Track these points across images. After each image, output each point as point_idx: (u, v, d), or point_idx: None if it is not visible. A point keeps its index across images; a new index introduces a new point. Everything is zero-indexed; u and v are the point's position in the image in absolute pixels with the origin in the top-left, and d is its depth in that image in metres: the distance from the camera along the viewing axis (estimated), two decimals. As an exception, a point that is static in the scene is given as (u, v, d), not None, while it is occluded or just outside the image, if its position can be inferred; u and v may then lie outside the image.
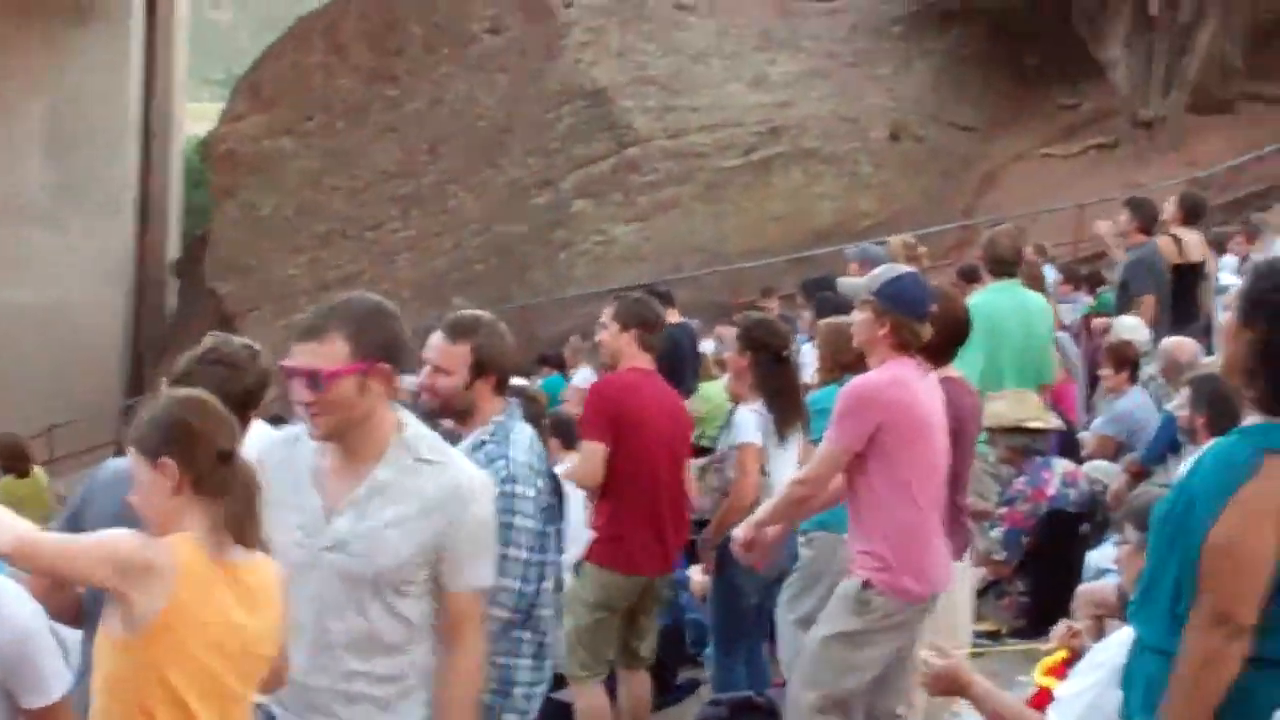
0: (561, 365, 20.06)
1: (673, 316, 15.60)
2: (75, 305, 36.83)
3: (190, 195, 41.06)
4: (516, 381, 9.52)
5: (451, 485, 4.97)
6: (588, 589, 8.83)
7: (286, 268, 32.40)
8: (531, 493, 6.36)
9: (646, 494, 8.75)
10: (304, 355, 4.90)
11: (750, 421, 9.40)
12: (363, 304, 5.07)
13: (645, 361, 8.96)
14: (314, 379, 4.86)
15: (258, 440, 5.31)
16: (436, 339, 6.60)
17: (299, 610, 4.78)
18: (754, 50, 32.02)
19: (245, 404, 5.47)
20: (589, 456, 8.63)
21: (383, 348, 4.96)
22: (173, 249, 40.16)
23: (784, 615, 9.12)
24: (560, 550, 7.39)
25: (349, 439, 4.97)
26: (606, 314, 9.07)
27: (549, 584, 6.59)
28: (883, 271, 7.45)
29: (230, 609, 4.32)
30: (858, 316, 7.31)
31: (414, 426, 5.07)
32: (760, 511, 7.75)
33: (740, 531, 7.62)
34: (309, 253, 32.12)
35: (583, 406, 9.69)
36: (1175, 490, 4.58)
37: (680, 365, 14.69)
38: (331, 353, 4.87)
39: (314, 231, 32.41)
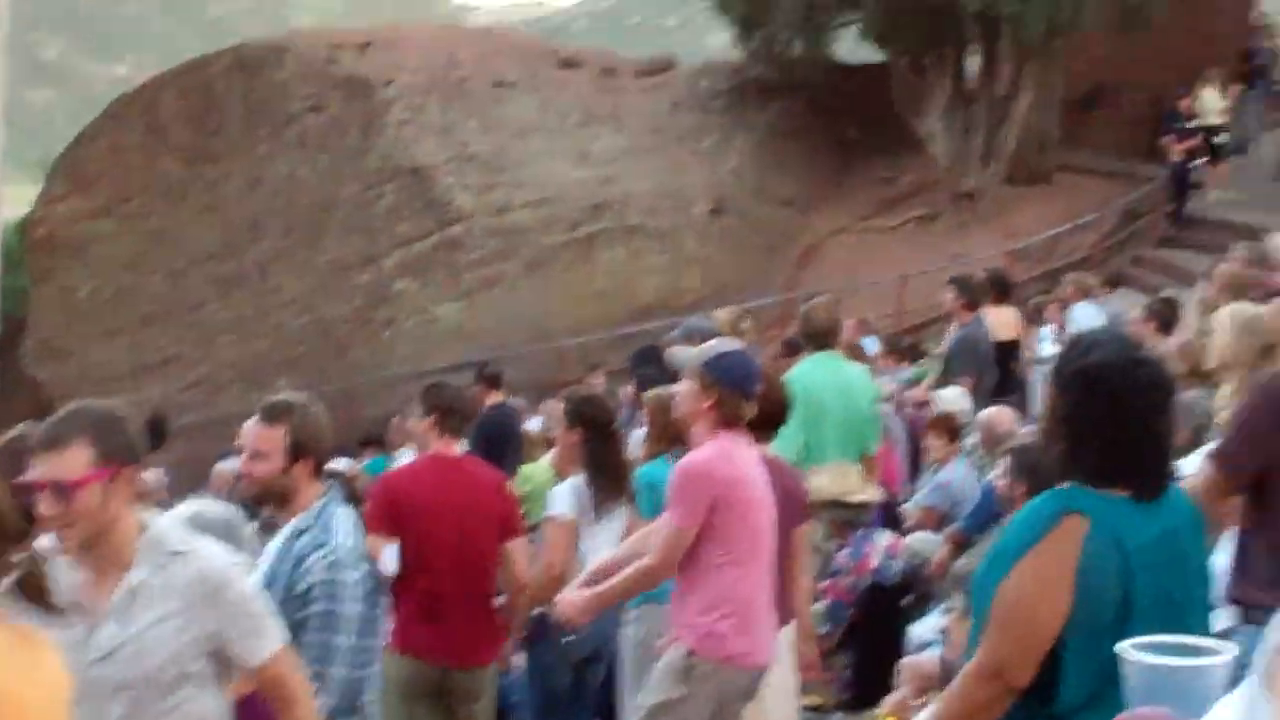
0: (385, 446, 19.92)
1: (496, 397, 15.64)
2: (-111, 390, 36.07)
3: (7, 279, 40.37)
4: (338, 463, 9.43)
5: (203, 574, 4.91)
6: (389, 676, 8.76)
7: (106, 351, 31.96)
8: (356, 577, 6.33)
9: (429, 584, 8.66)
10: (46, 467, 4.81)
11: (563, 494, 9.41)
12: (98, 409, 4.99)
13: (447, 446, 8.92)
14: (60, 490, 4.77)
15: None
16: (251, 424, 6.55)
17: None
18: (576, 126, 32.11)
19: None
20: (371, 548, 8.55)
21: (124, 450, 4.90)
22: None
23: (628, 700, 9.07)
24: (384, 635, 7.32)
25: (99, 547, 4.89)
26: (415, 399, 9.06)
27: (374, 669, 6.54)
28: (714, 345, 7.50)
29: (37, 672, 4.15)
30: (684, 387, 7.34)
31: (157, 523, 5.02)
32: (606, 588, 7.69)
33: (570, 610, 7.56)
34: (128, 336, 31.70)
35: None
36: (987, 553, 4.67)
37: (502, 447, 14.69)
38: (75, 461, 4.80)
39: (133, 314, 32.00)
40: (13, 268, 36.68)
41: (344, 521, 6.47)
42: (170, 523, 5.08)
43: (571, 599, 7.58)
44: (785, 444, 10.53)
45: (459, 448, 9.10)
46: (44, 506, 4.80)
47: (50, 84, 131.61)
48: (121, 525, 4.89)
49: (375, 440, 20.59)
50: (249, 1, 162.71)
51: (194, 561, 4.93)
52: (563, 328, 29.21)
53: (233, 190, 31.94)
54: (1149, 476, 4.50)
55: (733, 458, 7.15)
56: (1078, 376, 4.53)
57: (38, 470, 4.82)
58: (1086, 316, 17.52)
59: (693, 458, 7.24)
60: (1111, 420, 4.44)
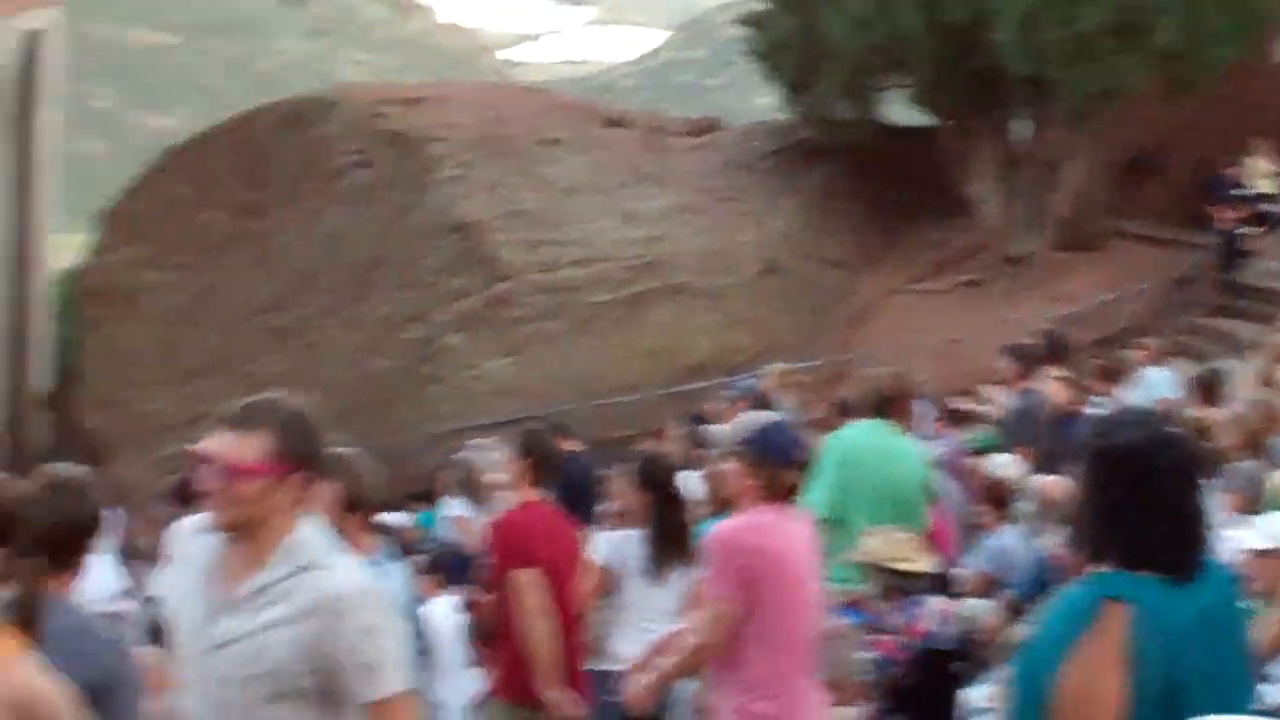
0: (431, 500, 19.94)
1: (572, 445, 15.74)
2: (-55, 441, 36.09)
3: (62, 328, 40.52)
4: (394, 517, 9.42)
5: (328, 593, 4.78)
6: None
7: (157, 401, 31.92)
8: (409, 631, 6.38)
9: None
10: (224, 444, 4.77)
11: (604, 543, 9.50)
12: (296, 408, 4.93)
13: (535, 494, 9.02)
14: (225, 470, 4.73)
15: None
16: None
17: (196, 709, 4.75)
18: (624, 186, 32.12)
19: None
20: (529, 588, 8.65)
21: (302, 455, 4.84)
22: (44, 382, 39.53)
23: None
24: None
25: (247, 537, 4.83)
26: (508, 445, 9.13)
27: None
28: (751, 419, 7.40)
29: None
30: (728, 466, 7.25)
31: (307, 532, 4.91)
32: (666, 669, 7.66)
33: (637, 699, 7.61)
34: (179, 386, 31.65)
35: (494, 538, 9.58)
36: (1027, 639, 4.63)
37: (584, 494, 14.73)
38: (253, 448, 4.75)
39: (185, 365, 31.97)
40: (67, 317, 36.77)
41: (397, 575, 6.54)
42: (317, 535, 4.96)
43: (637, 687, 7.60)
44: (815, 500, 10.54)
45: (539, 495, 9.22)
46: (206, 479, 4.78)
47: (100, 134, 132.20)
48: (275, 524, 4.83)
49: (423, 496, 20.62)
50: (297, 56, 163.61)
51: (327, 579, 4.82)
52: (611, 386, 29.15)
53: (282, 244, 31.95)
54: (1180, 559, 4.43)
55: (767, 530, 7.04)
56: (1102, 458, 4.47)
57: (214, 443, 4.79)
58: (1158, 381, 17.40)
59: (722, 527, 7.18)
60: (1137, 504, 4.37)
